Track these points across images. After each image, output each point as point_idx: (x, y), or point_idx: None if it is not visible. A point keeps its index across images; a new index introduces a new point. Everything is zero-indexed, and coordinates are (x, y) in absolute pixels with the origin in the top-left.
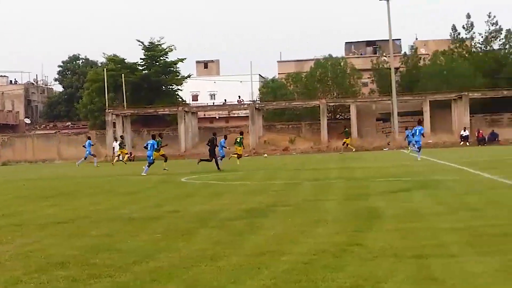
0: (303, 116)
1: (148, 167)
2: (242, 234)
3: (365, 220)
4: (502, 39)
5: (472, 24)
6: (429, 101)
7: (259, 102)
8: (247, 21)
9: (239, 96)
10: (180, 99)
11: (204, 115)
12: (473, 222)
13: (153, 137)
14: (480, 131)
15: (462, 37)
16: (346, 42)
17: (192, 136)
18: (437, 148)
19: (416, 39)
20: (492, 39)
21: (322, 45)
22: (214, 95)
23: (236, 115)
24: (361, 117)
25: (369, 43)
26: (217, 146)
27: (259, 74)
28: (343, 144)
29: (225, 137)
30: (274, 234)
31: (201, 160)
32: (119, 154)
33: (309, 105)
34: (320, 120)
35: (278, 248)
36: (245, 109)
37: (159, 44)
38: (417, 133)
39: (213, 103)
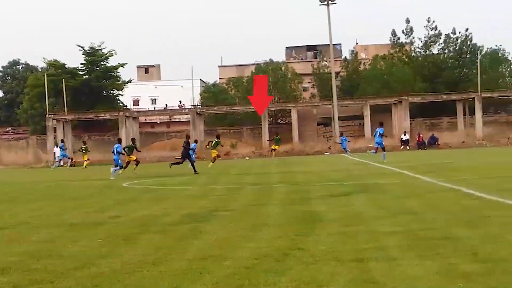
0: (245, 121)
1: (120, 168)
2: (184, 239)
3: (307, 224)
4: (441, 43)
5: (411, 29)
6: (370, 105)
7: (200, 107)
8: (188, 26)
9: (180, 101)
10: (121, 104)
11: (145, 120)
12: (413, 226)
13: (119, 141)
14: (420, 135)
15: (402, 42)
16: (286, 47)
17: None
18: (377, 153)
19: (357, 43)
20: (432, 43)
21: (263, 50)
22: (155, 100)
23: (177, 120)
24: (302, 121)
25: (309, 47)
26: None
27: (200, 79)
28: (271, 151)
29: (196, 142)
30: (216, 239)
31: (173, 163)
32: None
33: (250, 110)
34: (261, 124)
35: (220, 253)
36: (186, 114)
37: (100, 49)
38: (377, 135)
39: (154, 108)
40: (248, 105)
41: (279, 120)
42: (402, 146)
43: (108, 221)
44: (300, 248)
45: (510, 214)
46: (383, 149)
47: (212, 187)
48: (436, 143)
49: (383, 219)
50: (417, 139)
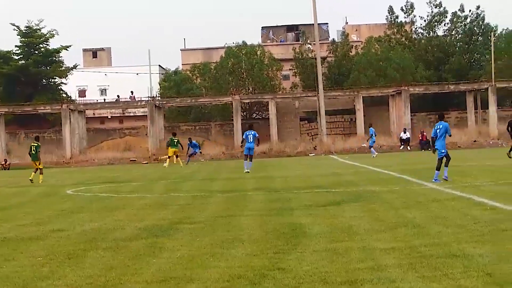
0: (213, 115)
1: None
2: (141, 257)
3: (288, 240)
4: (447, 23)
5: (412, 6)
6: (363, 97)
7: (159, 98)
8: (144, 1)
9: (132, 92)
10: (64, 95)
11: (94, 114)
12: (415, 241)
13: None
14: (424, 133)
15: (400, 21)
16: (262, 27)
17: (79, 140)
18: None
19: (346, 23)
20: (436, 23)
21: (234, 30)
22: (105, 90)
23: (132, 114)
24: (282, 116)
25: (290, 28)
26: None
27: (159, 65)
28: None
29: None
30: (179, 257)
31: None
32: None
33: (220, 102)
34: (233, 120)
35: (184, 273)
36: (142, 107)
37: (38, 29)
38: None
39: (104, 99)
40: (217, 97)
41: (254, 115)
42: (402, 146)
43: (49, 235)
44: (281, 268)
45: None
46: None
47: (174, 195)
48: None
49: (380, 233)
50: (420, 137)
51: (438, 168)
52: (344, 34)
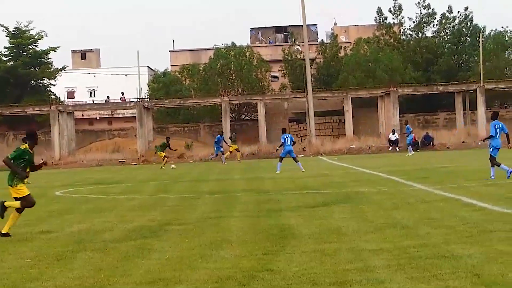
0: (202, 116)
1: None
2: (129, 258)
3: (277, 241)
4: (436, 25)
5: (400, 7)
6: (351, 98)
7: (148, 99)
8: (133, 3)
9: (122, 93)
10: (53, 96)
11: (82, 115)
12: (404, 242)
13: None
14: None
15: (389, 22)
16: (251, 28)
17: (68, 141)
18: (361, 154)
19: (335, 24)
20: (425, 25)
21: (223, 32)
22: (94, 91)
23: (120, 116)
24: (270, 117)
25: (279, 29)
26: None
27: (148, 66)
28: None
29: None
30: (168, 258)
31: None
32: None
33: (209, 103)
34: (222, 121)
35: (173, 275)
36: (131, 108)
37: (27, 30)
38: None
39: (93, 101)
40: (205, 98)
41: (243, 116)
42: (391, 147)
43: (38, 237)
44: (269, 269)
45: None
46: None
47: (163, 196)
48: (431, 143)
49: (368, 234)
50: None
51: (498, 165)
52: (333, 35)
